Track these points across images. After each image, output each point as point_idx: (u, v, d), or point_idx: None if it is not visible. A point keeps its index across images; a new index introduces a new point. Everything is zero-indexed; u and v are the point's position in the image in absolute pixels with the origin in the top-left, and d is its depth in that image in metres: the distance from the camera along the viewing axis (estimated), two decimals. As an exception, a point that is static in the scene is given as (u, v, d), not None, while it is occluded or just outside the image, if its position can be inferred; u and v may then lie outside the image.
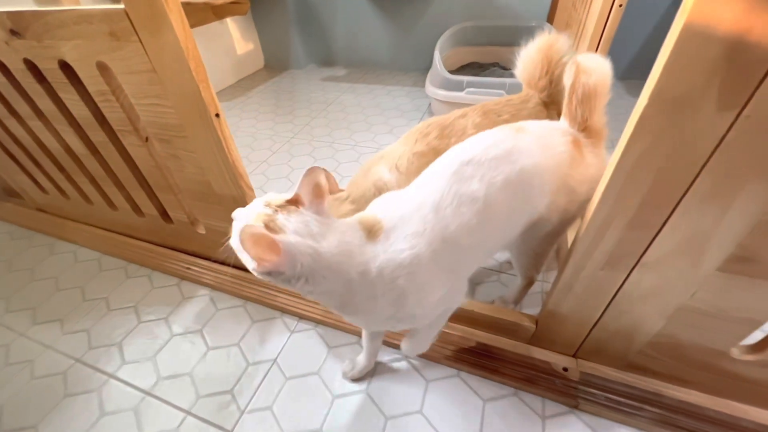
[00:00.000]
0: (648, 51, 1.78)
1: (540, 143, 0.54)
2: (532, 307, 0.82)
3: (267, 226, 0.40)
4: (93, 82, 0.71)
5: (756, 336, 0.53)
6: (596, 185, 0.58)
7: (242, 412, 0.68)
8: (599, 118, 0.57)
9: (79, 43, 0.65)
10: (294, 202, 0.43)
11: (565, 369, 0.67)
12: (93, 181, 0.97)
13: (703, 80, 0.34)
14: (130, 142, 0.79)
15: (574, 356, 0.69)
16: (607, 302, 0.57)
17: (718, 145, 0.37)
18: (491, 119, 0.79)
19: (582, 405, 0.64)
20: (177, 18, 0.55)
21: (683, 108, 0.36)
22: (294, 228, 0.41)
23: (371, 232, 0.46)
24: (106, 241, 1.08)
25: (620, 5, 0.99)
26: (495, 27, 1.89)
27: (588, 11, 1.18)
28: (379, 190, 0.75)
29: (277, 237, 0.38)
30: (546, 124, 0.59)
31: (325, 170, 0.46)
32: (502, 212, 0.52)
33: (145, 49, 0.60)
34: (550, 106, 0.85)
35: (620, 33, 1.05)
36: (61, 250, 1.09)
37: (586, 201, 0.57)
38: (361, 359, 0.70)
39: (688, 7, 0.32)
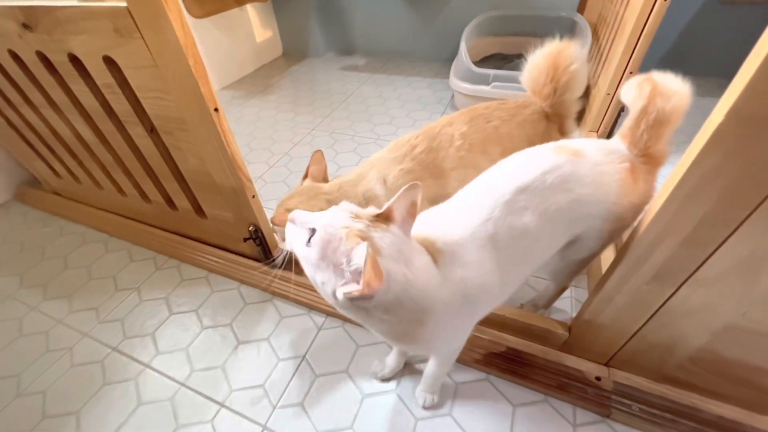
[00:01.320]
0: (682, 45, 1.70)
1: (596, 171, 0.51)
2: (559, 309, 0.82)
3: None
4: (100, 75, 0.73)
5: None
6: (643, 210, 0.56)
7: (274, 407, 0.70)
8: (664, 146, 0.53)
9: (86, 38, 0.68)
10: (385, 217, 0.40)
11: (598, 378, 0.66)
12: (103, 167, 1.00)
13: (789, 99, 0.32)
14: (136, 133, 0.82)
15: (606, 365, 0.68)
16: (649, 316, 0.56)
17: (795, 167, 0.35)
18: (479, 126, 0.75)
19: (614, 415, 0.63)
20: (176, 17, 0.56)
21: (762, 127, 0.34)
22: (389, 252, 0.38)
23: (431, 254, 0.44)
24: (135, 231, 1.10)
25: (665, -1, 0.95)
26: (521, 17, 1.82)
27: (627, 4, 1.13)
28: (368, 201, 0.74)
29: (382, 262, 0.35)
30: (604, 147, 0.54)
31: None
32: (546, 243, 0.52)
33: (147, 46, 0.62)
34: (552, 117, 0.80)
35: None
36: (92, 239, 1.12)
37: (631, 225, 0.56)
38: (391, 360, 0.71)
39: (784, 22, 0.29)
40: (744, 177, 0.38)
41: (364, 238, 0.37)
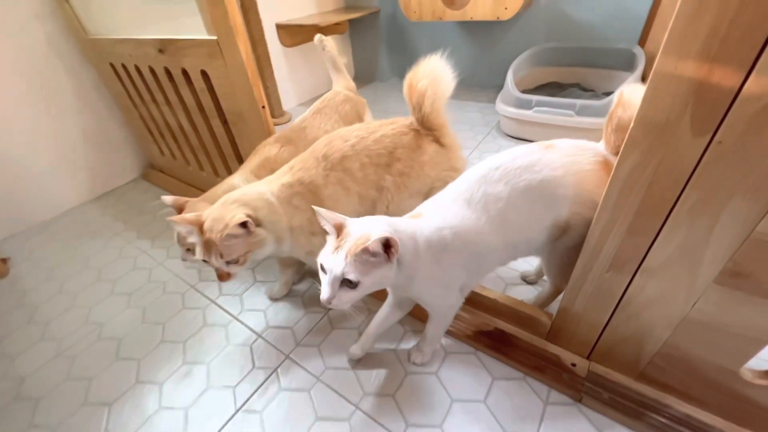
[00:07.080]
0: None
1: (565, 160, 0.61)
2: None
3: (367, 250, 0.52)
4: (198, 82, 1.08)
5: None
6: None
7: (297, 344, 0.88)
8: None
9: (192, 59, 1.04)
10: (338, 230, 0.56)
11: (573, 364, 0.72)
12: (192, 150, 1.38)
13: (678, 110, 0.42)
14: (215, 124, 1.17)
15: (587, 358, 0.74)
16: (615, 304, 0.63)
17: (696, 166, 0.44)
18: (336, 146, 0.81)
19: (585, 400, 0.69)
20: (244, 47, 0.89)
21: (664, 132, 0.44)
22: (365, 228, 0.55)
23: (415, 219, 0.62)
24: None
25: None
26: (578, 48, 1.88)
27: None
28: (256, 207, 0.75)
29: (384, 236, 0.51)
30: (578, 143, 0.65)
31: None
32: (524, 214, 0.63)
33: (226, 64, 0.95)
34: (423, 131, 0.84)
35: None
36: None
37: None
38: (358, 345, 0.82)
39: (661, 50, 0.41)
40: (661, 173, 0.47)
41: (356, 251, 0.52)
